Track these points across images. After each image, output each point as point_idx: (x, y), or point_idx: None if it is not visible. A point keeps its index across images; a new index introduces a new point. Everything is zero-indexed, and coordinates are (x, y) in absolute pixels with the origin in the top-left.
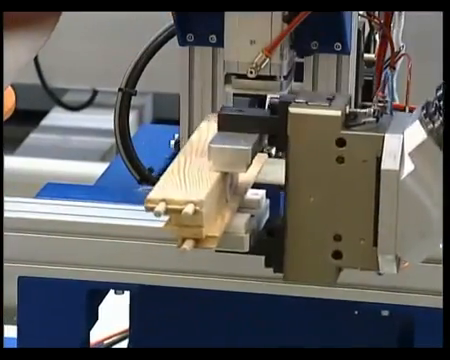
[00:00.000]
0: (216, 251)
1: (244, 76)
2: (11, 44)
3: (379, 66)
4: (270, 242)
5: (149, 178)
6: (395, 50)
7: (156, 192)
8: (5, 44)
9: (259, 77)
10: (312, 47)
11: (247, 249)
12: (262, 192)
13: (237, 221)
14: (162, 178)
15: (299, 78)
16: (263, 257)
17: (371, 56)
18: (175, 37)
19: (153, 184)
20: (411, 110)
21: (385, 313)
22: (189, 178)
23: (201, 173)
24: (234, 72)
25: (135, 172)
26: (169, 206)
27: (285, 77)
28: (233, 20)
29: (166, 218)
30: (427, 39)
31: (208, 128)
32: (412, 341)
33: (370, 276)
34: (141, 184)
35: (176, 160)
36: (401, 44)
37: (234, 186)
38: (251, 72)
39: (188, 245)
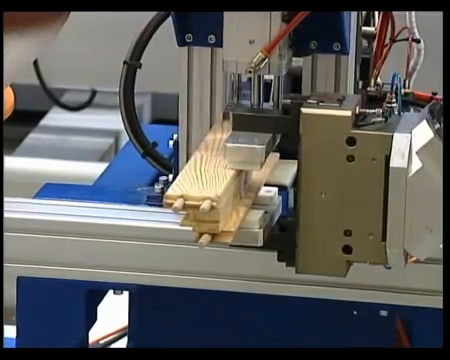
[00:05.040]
0: (230, 246)
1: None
2: (25, 39)
3: (380, 40)
4: (283, 237)
5: (152, 153)
6: (410, 35)
7: (174, 189)
8: (19, 39)
9: None
10: (311, 47)
11: (261, 244)
12: (275, 189)
13: (251, 217)
14: (180, 175)
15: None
16: (266, 253)
17: (371, 29)
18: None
19: (155, 159)
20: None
21: (383, 313)
22: (206, 175)
23: (217, 171)
24: (233, 72)
25: (139, 146)
26: (187, 202)
27: None
28: (232, 20)
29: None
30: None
31: (222, 128)
32: (410, 341)
33: (368, 276)
34: (144, 158)
35: (192, 158)
36: (414, 24)
37: (248, 183)
38: (250, 72)
39: (205, 240)
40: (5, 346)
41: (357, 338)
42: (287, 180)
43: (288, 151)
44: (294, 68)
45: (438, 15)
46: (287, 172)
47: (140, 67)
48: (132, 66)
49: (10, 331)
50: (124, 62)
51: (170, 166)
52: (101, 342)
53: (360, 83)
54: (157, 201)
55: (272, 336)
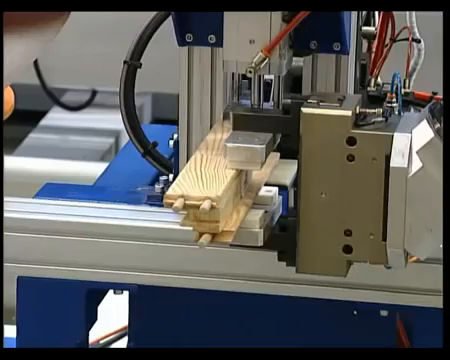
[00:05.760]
0: (230, 246)
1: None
2: (25, 39)
3: (380, 40)
4: (283, 237)
5: (152, 152)
6: (411, 35)
7: (174, 189)
8: (19, 39)
9: None
10: (311, 47)
11: (261, 244)
12: (275, 189)
13: (251, 217)
14: (180, 175)
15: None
16: (266, 252)
17: (371, 29)
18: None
19: (155, 159)
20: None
21: (384, 313)
22: (206, 175)
23: (217, 170)
24: (233, 71)
25: (139, 145)
26: (187, 202)
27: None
28: (232, 20)
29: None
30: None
31: (222, 128)
32: (411, 340)
33: (369, 276)
34: (144, 157)
35: (193, 158)
36: (414, 23)
37: (248, 183)
38: (250, 72)
39: (205, 239)
40: (5, 346)
41: (357, 338)
42: (287, 180)
43: (288, 150)
44: (294, 68)
45: (438, 15)
46: (287, 172)
47: (140, 67)
48: (132, 66)
49: (10, 331)
50: (124, 62)
51: (170, 166)
52: (101, 342)
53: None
54: (157, 201)
55: (272, 335)
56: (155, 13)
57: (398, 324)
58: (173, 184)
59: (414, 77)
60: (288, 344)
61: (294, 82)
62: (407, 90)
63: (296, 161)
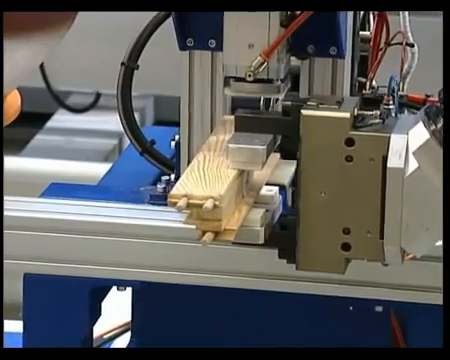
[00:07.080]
0: (233, 243)
1: (242, 79)
2: (31, 43)
3: (375, 43)
4: (283, 235)
5: (150, 150)
6: (405, 39)
7: (178, 188)
8: (25, 43)
9: (257, 80)
10: (308, 51)
11: (262, 241)
12: (276, 188)
13: (253, 215)
14: (183, 175)
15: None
16: (267, 250)
17: (367, 33)
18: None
19: (153, 157)
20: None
21: (379, 309)
22: (209, 175)
23: (220, 170)
24: (233, 75)
25: (137, 144)
26: (190, 201)
27: (282, 80)
28: (232, 24)
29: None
30: (428, 40)
31: (224, 129)
32: (405, 336)
33: (365, 273)
34: (142, 156)
35: (196, 158)
36: (407, 28)
37: (250, 183)
38: (249, 75)
39: (208, 238)
40: (12, 341)
41: (352, 334)
42: (286, 180)
43: (286, 151)
44: (294, 66)
45: (432, 19)
46: (285, 172)
47: (137, 68)
48: (129, 67)
49: (16, 326)
50: (122, 63)
51: (168, 163)
52: (104, 337)
53: (356, 85)
54: (160, 200)
55: (269, 332)
56: (153, 16)
57: (393, 320)
58: (177, 184)
59: (408, 80)
60: (285, 340)
61: (294, 79)
62: (401, 93)
63: (294, 161)
